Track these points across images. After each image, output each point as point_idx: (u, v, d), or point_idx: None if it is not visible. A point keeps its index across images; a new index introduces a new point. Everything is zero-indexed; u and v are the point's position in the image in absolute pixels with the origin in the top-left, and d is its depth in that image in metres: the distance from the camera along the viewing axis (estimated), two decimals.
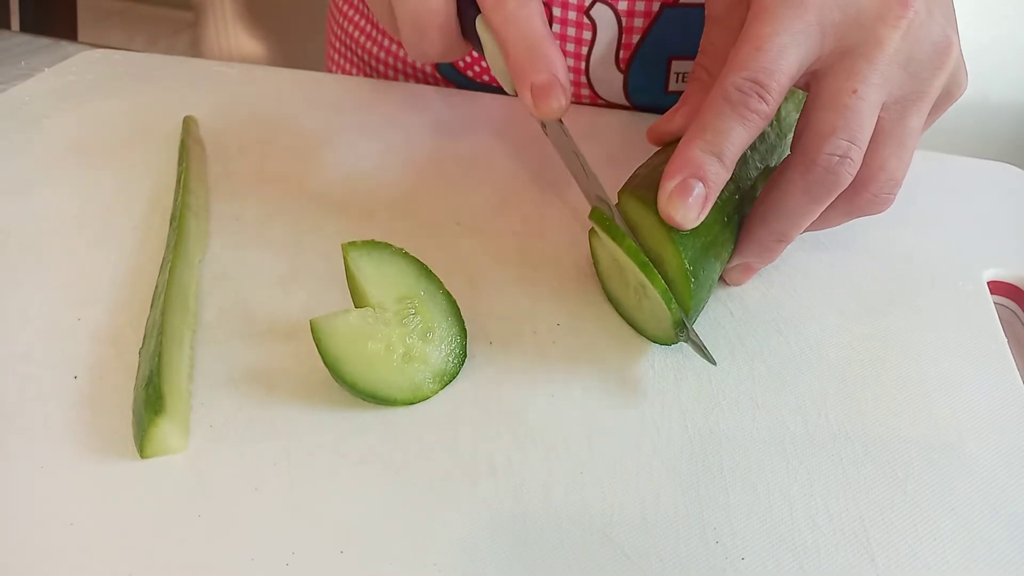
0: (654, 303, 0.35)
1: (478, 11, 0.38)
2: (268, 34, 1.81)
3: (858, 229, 0.45)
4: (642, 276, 0.34)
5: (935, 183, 0.50)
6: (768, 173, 0.39)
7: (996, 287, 0.43)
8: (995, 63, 1.36)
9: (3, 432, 0.31)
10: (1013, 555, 0.29)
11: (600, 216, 0.35)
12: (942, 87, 0.35)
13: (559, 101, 0.36)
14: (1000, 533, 0.29)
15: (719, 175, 0.33)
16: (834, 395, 0.34)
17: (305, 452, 0.31)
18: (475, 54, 0.58)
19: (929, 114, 0.36)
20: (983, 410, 0.34)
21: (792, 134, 0.38)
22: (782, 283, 0.41)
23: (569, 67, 0.55)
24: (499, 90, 0.60)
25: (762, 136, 0.39)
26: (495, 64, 0.39)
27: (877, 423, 0.33)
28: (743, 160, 0.37)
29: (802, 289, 0.40)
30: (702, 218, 0.33)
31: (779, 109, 0.41)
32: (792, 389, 0.35)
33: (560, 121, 0.39)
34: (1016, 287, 0.43)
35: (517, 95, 0.38)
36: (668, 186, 0.33)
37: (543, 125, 0.40)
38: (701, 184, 0.33)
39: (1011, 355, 0.37)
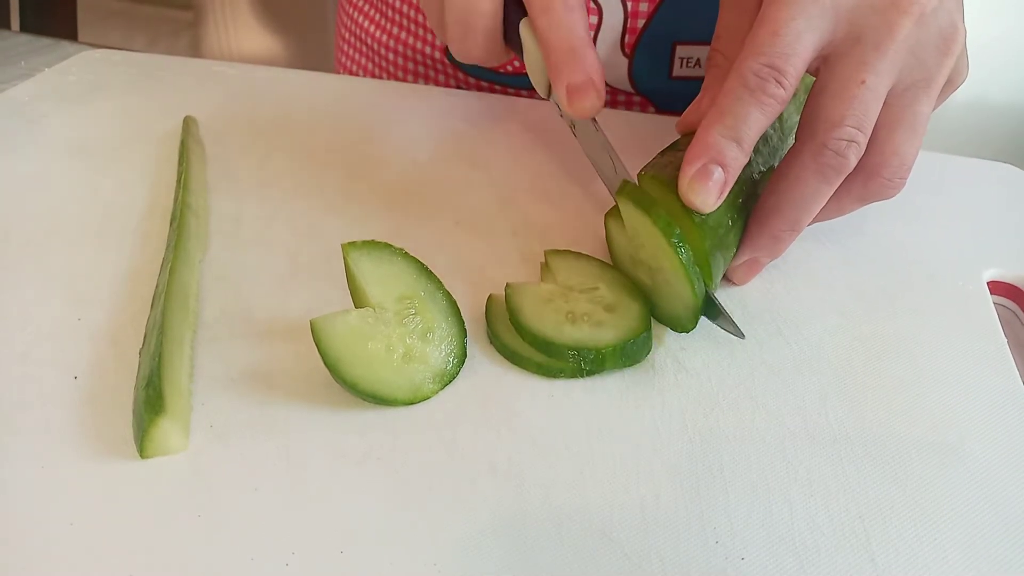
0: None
1: (523, 14, 0.40)
2: (268, 35, 1.81)
3: (858, 229, 0.45)
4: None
5: (935, 183, 0.50)
6: (769, 176, 0.39)
7: (996, 287, 0.43)
8: (995, 63, 1.36)
9: (3, 432, 0.31)
10: (1013, 555, 0.29)
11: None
12: (948, 74, 0.36)
13: (592, 101, 0.38)
14: (1000, 533, 0.29)
15: (738, 159, 0.34)
16: (834, 395, 0.34)
17: (305, 452, 0.31)
18: None
19: None
20: (983, 410, 0.34)
21: (793, 136, 0.38)
22: (782, 283, 0.41)
23: None
24: (500, 80, 0.60)
25: (765, 138, 0.39)
26: (533, 67, 0.41)
27: (877, 423, 0.33)
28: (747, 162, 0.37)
29: (802, 289, 0.40)
30: (720, 202, 0.34)
31: (782, 112, 0.41)
32: (792, 389, 0.35)
33: (594, 120, 0.40)
34: (1016, 287, 0.43)
35: (549, 97, 0.40)
36: (688, 171, 0.34)
37: (572, 125, 0.41)
38: (720, 169, 0.34)
39: (1011, 355, 0.37)
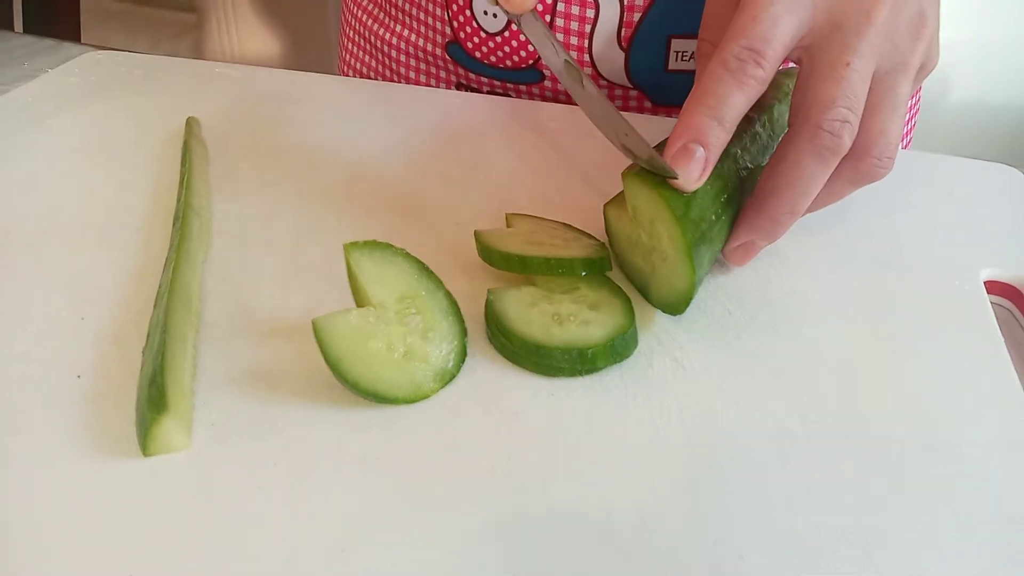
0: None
1: None
2: (270, 36, 1.82)
3: (857, 229, 0.45)
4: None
5: (934, 183, 0.50)
6: (758, 174, 0.39)
7: (993, 287, 0.43)
8: (995, 64, 1.36)
9: (5, 431, 0.31)
10: (1012, 555, 0.29)
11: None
12: (921, 58, 0.37)
13: None
14: (999, 533, 0.29)
15: (719, 138, 0.35)
16: (833, 395, 0.35)
17: (306, 451, 0.31)
18: (482, 35, 0.59)
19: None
20: (981, 410, 0.34)
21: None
22: (782, 283, 0.41)
23: (572, 46, 0.56)
24: (501, 76, 0.60)
25: (754, 137, 0.40)
26: None
27: (876, 423, 0.33)
28: (733, 159, 0.38)
29: (801, 289, 0.41)
30: (702, 181, 0.35)
31: (773, 111, 0.41)
32: (791, 389, 0.35)
33: (581, 80, 0.40)
34: (1013, 287, 0.43)
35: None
36: (671, 151, 0.35)
37: (572, 79, 0.42)
38: (702, 148, 0.35)
39: (1008, 355, 0.37)
